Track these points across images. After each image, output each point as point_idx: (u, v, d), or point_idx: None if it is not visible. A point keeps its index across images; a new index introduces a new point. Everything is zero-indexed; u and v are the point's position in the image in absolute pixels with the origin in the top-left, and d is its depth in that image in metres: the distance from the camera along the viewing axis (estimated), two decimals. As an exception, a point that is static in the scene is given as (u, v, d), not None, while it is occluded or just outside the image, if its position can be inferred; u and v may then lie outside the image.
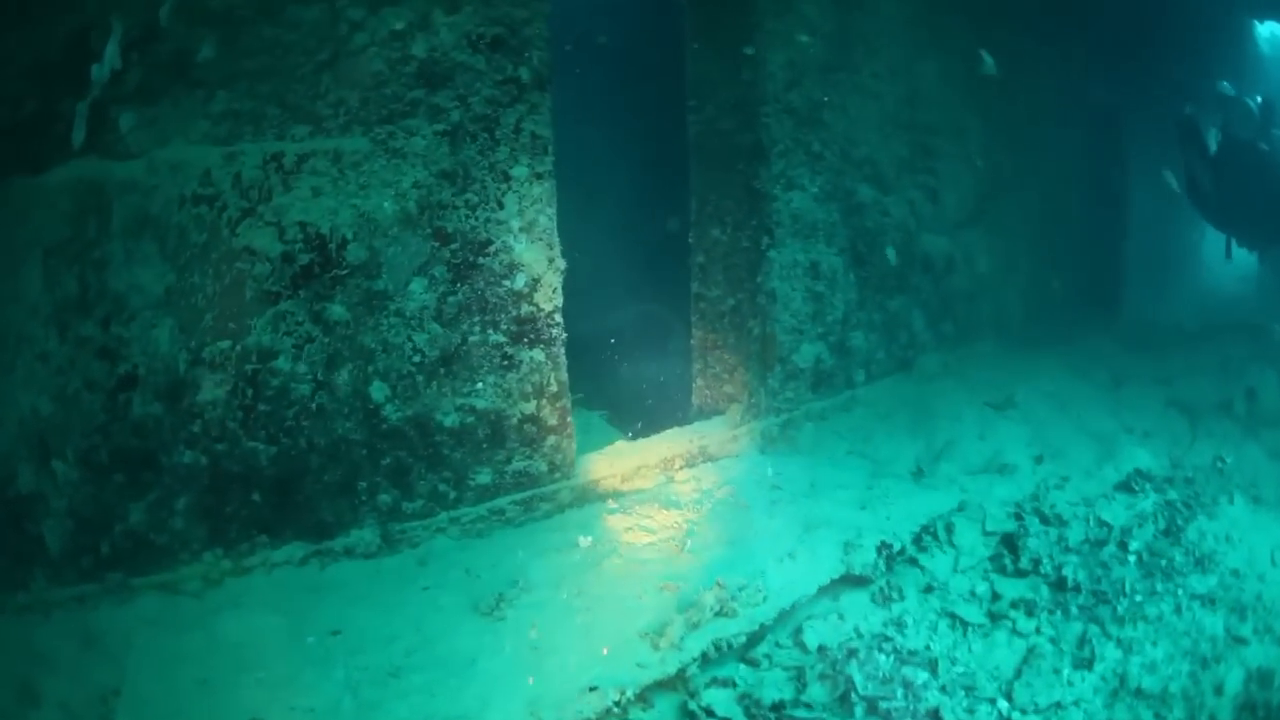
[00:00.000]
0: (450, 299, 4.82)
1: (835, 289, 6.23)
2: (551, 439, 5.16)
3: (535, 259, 4.97)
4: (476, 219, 4.84)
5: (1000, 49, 7.86)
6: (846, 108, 6.53)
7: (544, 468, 5.18)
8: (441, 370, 4.86)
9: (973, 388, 6.84)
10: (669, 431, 5.86)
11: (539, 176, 4.95)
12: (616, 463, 5.49)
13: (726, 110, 6.13)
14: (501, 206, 4.87)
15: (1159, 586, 4.58)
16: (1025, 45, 8.46)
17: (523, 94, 4.90)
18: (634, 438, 6.42)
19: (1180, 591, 4.54)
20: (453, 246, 4.80)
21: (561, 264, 5.06)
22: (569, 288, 5.31)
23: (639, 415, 7.44)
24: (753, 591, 4.30)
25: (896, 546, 4.90)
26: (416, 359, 4.79)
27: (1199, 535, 5.05)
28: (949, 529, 5.19)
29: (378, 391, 4.75)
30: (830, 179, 6.28)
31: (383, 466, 4.83)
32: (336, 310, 4.63)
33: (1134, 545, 4.92)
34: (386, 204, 4.68)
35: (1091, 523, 5.15)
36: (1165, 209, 9.48)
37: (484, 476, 5.04)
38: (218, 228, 4.49)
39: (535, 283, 4.98)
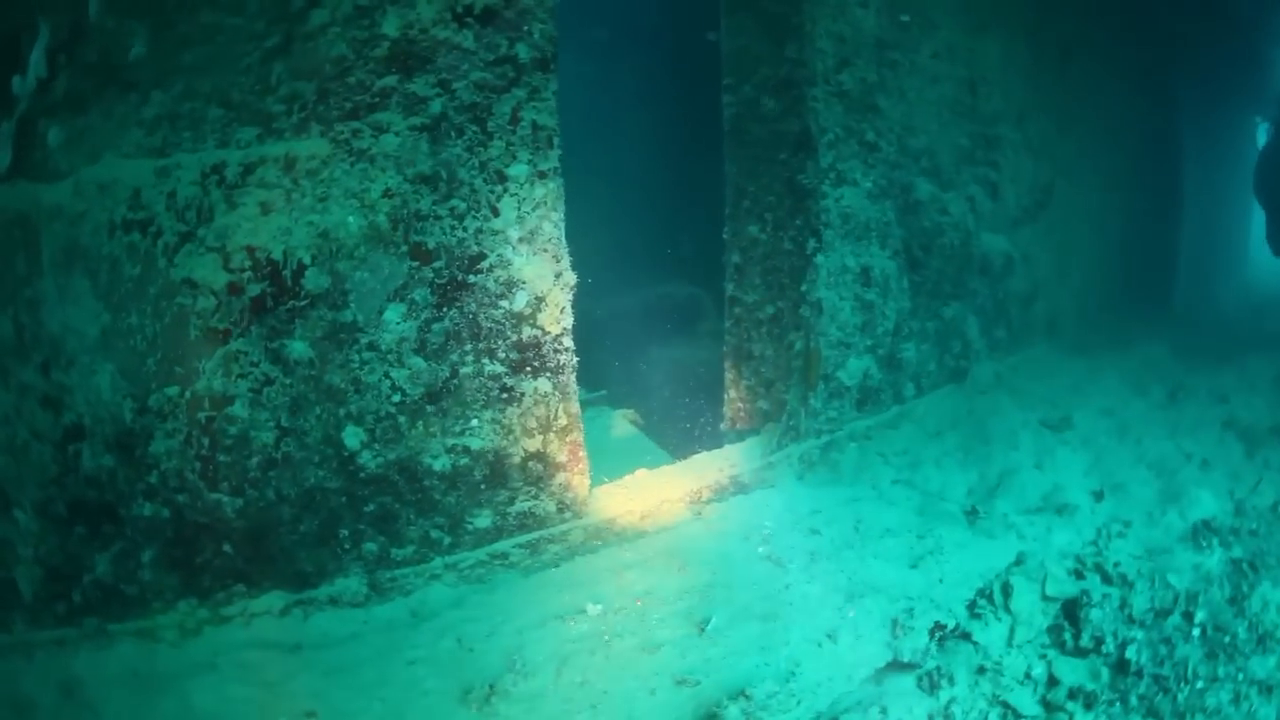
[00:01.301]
0: (435, 327, 3.45)
1: (888, 297, 4.73)
2: (560, 476, 3.81)
3: (538, 274, 3.57)
4: (465, 230, 3.44)
5: (1062, 31, 6.25)
6: (904, 92, 4.96)
7: (552, 508, 3.83)
8: (428, 409, 3.52)
9: (1027, 403, 5.37)
10: (697, 457, 4.46)
11: (542, 175, 3.53)
12: (636, 497, 4.11)
13: (768, 91, 4.60)
14: (496, 213, 3.47)
15: (1220, 670, 3.40)
16: (1087, 30, 6.78)
17: (521, 76, 3.46)
18: (662, 451, 5.11)
19: (1240, 675, 3.39)
20: (436, 265, 3.42)
21: (571, 278, 3.67)
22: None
23: (667, 412, 6.13)
24: (784, 698, 2.98)
25: (950, 624, 3.54)
26: (396, 398, 3.47)
27: (1262, 605, 3.71)
28: (1006, 591, 3.78)
29: (352, 438, 3.46)
30: (885, 173, 4.75)
31: (365, 514, 3.56)
32: (297, 348, 3.35)
33: (1199, 616, 3.64)
34: (351, 219, 3.31)
35: (1156, 585, 3.79)
36: (1217, 205, 7.82)
37: (483, 519, 3.72)
38: (153, 258, 3.33)
39: (539, 302, 3.59)
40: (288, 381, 3.39)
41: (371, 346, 3.42)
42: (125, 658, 3.35)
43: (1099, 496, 4.54)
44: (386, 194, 3.33)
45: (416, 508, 3.64)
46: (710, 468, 4.29)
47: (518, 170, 3.45)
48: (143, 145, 3.28)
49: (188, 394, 3.37)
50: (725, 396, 4.81)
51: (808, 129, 4.43)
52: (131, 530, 3.43)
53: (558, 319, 3.63)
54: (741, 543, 3.95)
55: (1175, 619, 3.71)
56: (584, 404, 5.82)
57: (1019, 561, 4.04)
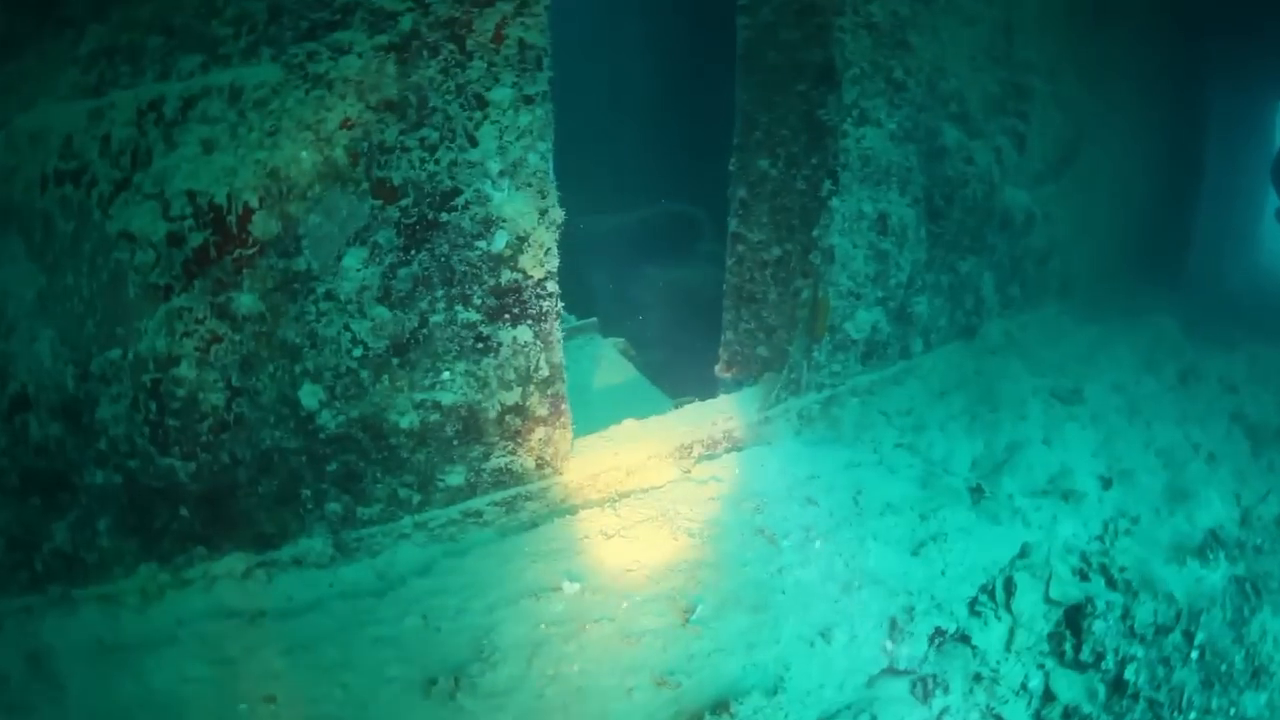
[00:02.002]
0: (401, 272, 2.78)
1: (904, 247, 3.97)
2: (540, 431, 3.18)
3: (521, 211, 2.86)
4: (437, 163, 2.73)
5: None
6: (937, 30, 4.12)
7: (530, 464, 3.21)
8: (394, 362, 2.87)
9: (1038, 368, 4.67)
10: (689, 407, 3.81)
11: (528, 100, 2.80)
12: (621, 450, 3.48)
13: (789, 17, 3.77)
14: (474, 143, 2.74)
15: (1214, 702, 3.15)
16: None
17: None
18: (655, 388, 4.48)
19: (1233, 710, 3.14)
20: (403, 203, 2.73)
21: (558, 215, 2.97)
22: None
23: (661, 339, 5.47)
24: (770, 713, 2.46)
25: (950, 628, 3.01)
26: (357, 353, 2.82)
27: (1260, 634, 3.36)
28: (1009, 589, 3.28)
29: (309, 397, 2.83)
30: (911, 115, 3.95)
31: (328, 474, 2.96)
32: (245, 301, 2.70)
33: (1199, 637, 3.32)
34: (305, 154, 2.61)
35: (1160, 598, 3.39)
36: (1233, 184, 6.98)
37: (455, 476, 3.11)
38: (87, 210, 2.69)
39: (521, 242, 2.89)
40: (237, 338, 2.77)
41: (329, 296, 2.76)
42: (90, 624, 2.94)
43: (1107, 484, 3.96)
44: (346, 124, 2.62)
45: (383, 466, 3.04)
46: (703, 420, 3.64)
47: (500, 94, 2.73)
48: (78, 85, 2.64)
49: (130, 356, 2.79)
50: (722, 338, 4.14)
51: (831, 61, 3.65)
52: (86, 498, 2.93)
53: (541, 261, 2.94)
54: (733, 510, 3.35)
55: (1176, 637, 3.36)
56: (572, 332, 5.22)
57: (1023, 554, 3.52)
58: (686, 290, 5.95)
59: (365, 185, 2.68)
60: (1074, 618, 3.31)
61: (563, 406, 3.21)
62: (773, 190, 3.84)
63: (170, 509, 2.97)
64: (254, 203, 2.62)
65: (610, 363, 4.67)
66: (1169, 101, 6.76)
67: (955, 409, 4.15)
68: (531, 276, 2.95)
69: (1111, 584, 3.45)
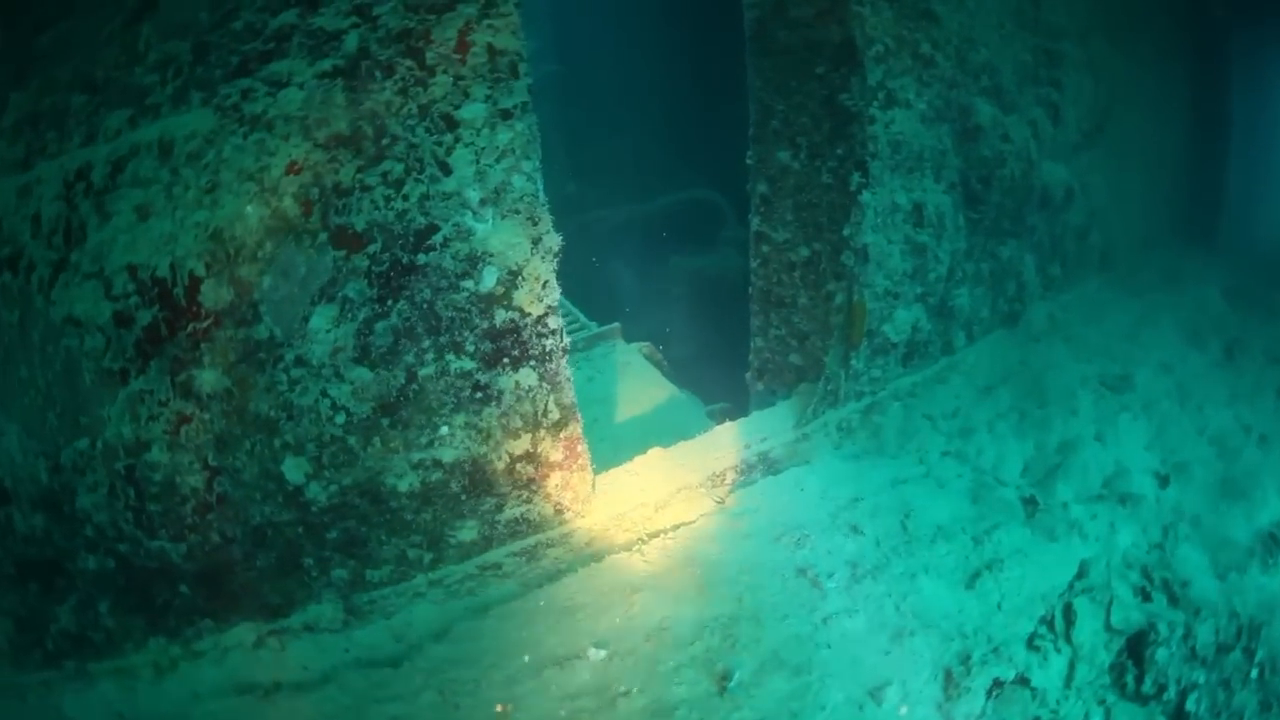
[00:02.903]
0: (379, 326, 2.16)
1: (942, 238, 3.23)
2: (556, 477, 2.57)
3: (510, 242, 2.22)
4: (405, 199, 2.09)
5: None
6: (963, -2, 3.41)
7: (549, 511, 2.61)
8: (384, 423, 2.26)
9: (1084, 353, 3.91)
10: (720, 429, 3.13)
11: (506, 115, 2.14)
12: (648, 486, 2.84)
13: None
14: (447, 171, 2.10)
15: None
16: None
17: None
18: (683, 393, 3.86)
19: None
20: (370, 249, 2.10)
21: (554, 242, 2.31)
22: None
23: (688, 334, 4.83)
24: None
25: (1009, 676, 2.38)
26: (340, 419, 2.21)
27: None
28: (1069, 617, 2.68)
29: (293, 471, 2.24)
30: (941, 92, 3.19)
31: (329, 541, 2.38)
32: (208, 378, 2.11)
33: (1259, 653, 2.83)
34: (250, 209, 2.01)
35: (1221, 612, 2.86)
36: (1263, 137, 5.97)
37: (468, 532, 2.52)
38: (29, 297, 2.20)
39: (513, 277, 2.25)
40: (206, 417, 2.21)
41: (300, 363, 2.17)
42: (108, 698, 2.53)
43: (1164, 481, 3.29)
44: (292, 168, 2.01)
45: (387, 529, 2.46)
46: (735, 442, 3.00)
47: (472, 112, 2.09)
48: (5, 160, 2.16)
49: (98, 445, 2.29)
50: (751, 344, 3.47)
51: (851, 38, 2.92)
52: (82, 582, 2.49)
53: (539, 296, 2.31)
54: (771, 547, 2.73)
55: (1236, 655, 2.83)
56: (594, 339, 4.47)
57: (1082, 574, 2.92)
58: (712, 279, 5.29)
59: (323, 236, 2.07)
60: (1137, 647, 2.74)
61: (579, 448, 2.61)
62: (796, 185, 3.14)
63: (169, 587, 2.47)
64: (200, 271, 2.05)
65: (636, 370, 4.06)
66: (1192, 51, 5.82)
67: (1003, 406, 3.45)
68: (529, 314, 2.33)
69: (1174, 601, 2.87)
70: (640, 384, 3.95)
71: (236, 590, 2.52)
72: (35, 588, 2.54)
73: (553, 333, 2.36)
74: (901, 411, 3.24)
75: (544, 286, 2.30)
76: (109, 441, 2.28)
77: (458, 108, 2.06)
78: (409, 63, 2.02)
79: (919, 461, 3.17)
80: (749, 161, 3.29)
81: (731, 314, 3.99)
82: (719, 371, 4.17)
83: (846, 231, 2.92)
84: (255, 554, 2.46)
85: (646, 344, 4.16)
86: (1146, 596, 2.90)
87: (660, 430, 3.53)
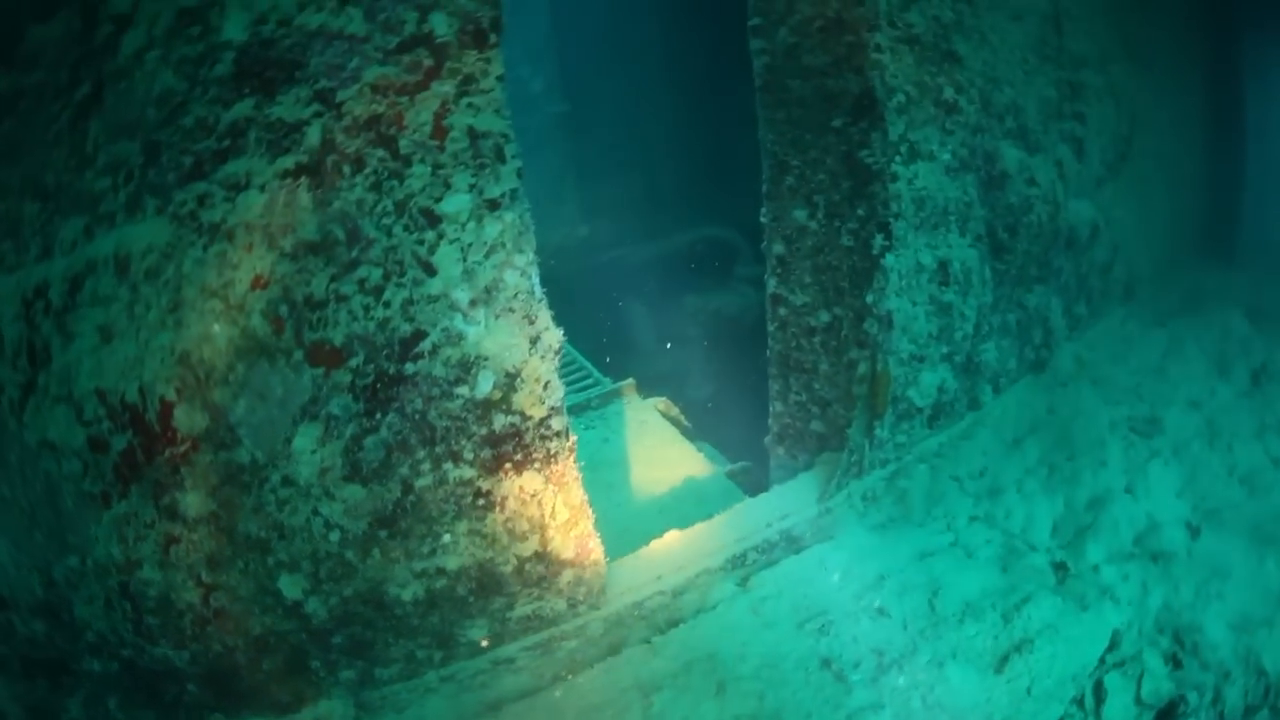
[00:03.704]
0: (369, 441, 1.77)
1: (968, 294, 2.75)
2: (568, 574, 2.16)
3: (505, 344, 1.81)
4: (386, 306, 1.69)
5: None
6: (985, 33, 2.86)
7: (561, 606, 2.21)
8: (382, 535, 1.87)
9: (1112, 394, 3.40)
10: (740, 508, 2.68)
11: (493, 205, 1.73)
12: (666, 574, 2.42)
13: (812, 36, 2.58)
14: (431, 271, 1.69)
15: None
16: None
17: (443, 62, 1.64)
18: (705, 449, 3.45)
19: None
20: (352, 363, 1.70)
21: (555, 339, 1.89)
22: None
23: (706, 376, 4.39)
24: None
25: None
26: (335, 537, 1.83)
27: None
28: (1099, 694, 2.30)
29: (290, 588, 1.86)
30: (966, 139, 2.71)
31: (334, 645, 2.00)
32: (191, 501, 1.73)
33: None
34: (217, 328, 1.62)
35: (1250, 671, 2.45)
36: (1273, 143, 5.34)
37: (478, 630, 2.12)
38: (2, 419, 1.85)
39: (511, 380, 1.84)
40: (194, 538, 1.84)
41: (287, 483, 1.80)
42: None
43: (1195, 533, 2.85)
44: (258, 283, 1.64)
45: (394, 632, 2.08)
46: (756, 520, 2.58)
47: (455, 204, 1.69)
48: None
49: (89, 563, 1.96)
50: (770, 407, 3.02)
51: (870, 89, 2.48)
52: (89, 681, 2.17)
53: (540, 398, 1.91)
54: (794, 636, 2.32)
55: (1264, 715, 2.47)
56: (608, 396, 3.91)
57: (1113, 645, 2.53)
58: (728, 318, 4.84)
59: (298, 354, 1.70)
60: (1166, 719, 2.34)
61: (590, 544, 2.22)
62: (814, 246, 2.70)
63: (177, 684, 2.14)
64: (171, 395, 1.69)
65: (652, 429, 3.65)
66: (1208, 71, 5.24)
67: (1031, 461, 3.00)
68: (531, 417, 1.94)
69: (1204, 666, 2.47)
70: (657, 444, 3.53)
71: (243, 690, 2.17)
72: (43, 683, 2.21)
73: (556, 434, 1.97)
74: (928, 474, 2.81)
75: (545, 387, 1.91)
76: (99, 560, 1.95)
77: (439, 200, 1.68)
78: (381, 153, 1.64)
79: (946, 528, 2.74)
80: (763, 220, 2.85)
81: (749, 353, 3.57)
82: (738, 413, 3.75)
83: (869, 298, 2.48)
84: (260, 659, 2.10)
85: (662, 399, 3.75)
86: (1177, 664, 2.52)
87: (679, 495, 3.13)
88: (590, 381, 4.07)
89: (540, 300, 1.84)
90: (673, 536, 2.54)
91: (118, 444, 1.78)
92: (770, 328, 2.90)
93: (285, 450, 1.82)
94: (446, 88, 1.64)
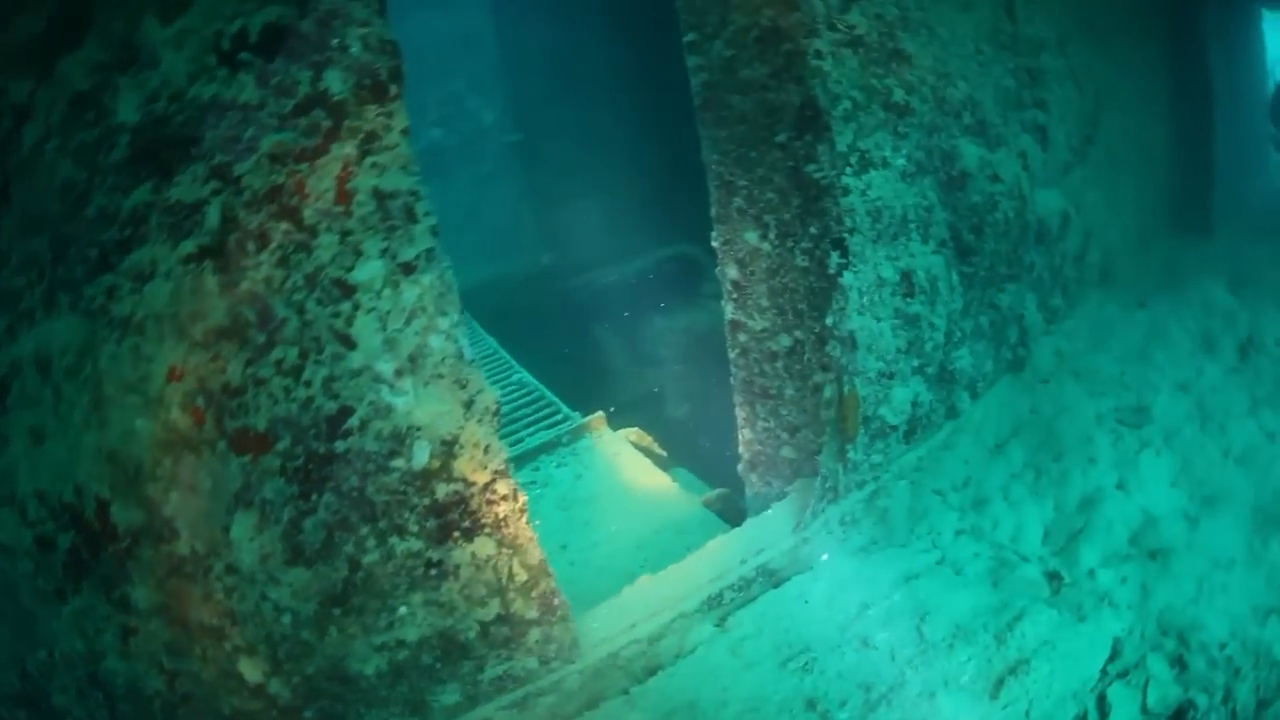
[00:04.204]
0: (308, 523, 1.65)
1: (935, 303, 2.62)
2: (535, 633, 2.04)
3: (438, 411, 1.69)
4: (308, 385, 1.57)
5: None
6: (933, 27, 2.74)
7: (533, 664, 2.09)
8: (335, 613, 1.76)
9: (1095, 384, 3.29)
10: (713, 545, 2.53)
11: (408, 269, 1.61)
12: (640, 622, 2.30)
13: (749, 48, 2.46)
14: (350, 344, 1.57)
15: None
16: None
17: (342, 121, 1.51)
18: (681, 474, 3.36)
19: None
20: (280, 447, 1.59)
21: (491, 400, 1.76)
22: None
23: (680, 395, 4.30)
24: None
25: None
26: (288, 619, 1.71)
27: None
28: (1103, 709, 2.18)
29: (251, 670, 1.74)
30: (920, 141, 2.58)
31: (305, 717, 1.97)
32: (141, 594, 1.63)
33: None
34: (139, 424, 1.50)
35: (1261, 664, 2.38)
36: (1238, 107, 5.21)
37: (450, 695, 2.00)
38: None
39: (449, 448, 1.72)
40: (150, 628, 1.73)
41: (231, 570, 1.69)
42: None
43: (1194, 524, 2.72)
44: (174, 375, 1.53)
45: (364, 703, 1.96)
46: (731, 557, 2.46)
47: (368, 272, 1.58)
48: None
49: (56, 656, 1.90)
50: (739, 435, 2.89)
51: (813, 98, 2.36)
52: None
53: (483, 463, 1.80)
54: (776, 676, 2.19)
55: (1277, 708, 2.36)
56: (578, 431, 3.76)
57: (1115, 654, 2.37)
58: (698, 336, 4.74)
59: (222, 444, 1.59)
60: (1176, 726, 2.22)
61: (554, 602, 2.10)
62: (769, 268, 2.57)
63: None
64: (105, 494, 1.59)
65: (625, 462, 3.53)
66: (1171, 38, 5.13)
67: (1016, 465, 2.88)
68: (474, 483, 1.82)
69: (1213, 664, 2.34)
70: (631, 477, 3.41)
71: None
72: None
73: (504, 498, 1.86)
74: (909, 490, 2.70)
75: (486, 451, 1.79)
76: (65, 653, 1.87)
77: (350, 270, 1.57)
78: (285, 226, 1.53)
79: (932, 545, 2.63)
80: (714, 244, 2.72)
81: (722, 370, 3.48)
82: (716, 431, 3.66)
83: (830, 320, 2.35)
84: (230, 736, 2.03)
85: (634, 430, 3.64)
86: (1183, 666, 2.38)
87: (656, 528, 3.03)
88: (560, 418, 3.97)
89: (471, 362, 1.71)
90: (646, 581, 2.41)
91: (63, 543, 1.69)
92: (731, 354, 2.77)
93: (224, 539, 1.72)
94: (348, 149, 1.52)
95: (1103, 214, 3.81)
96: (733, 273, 2.66)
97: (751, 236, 2.58)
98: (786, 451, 2.69)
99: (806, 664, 2.23)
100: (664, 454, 3.56)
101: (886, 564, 2.53)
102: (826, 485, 2.50)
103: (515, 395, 4.42)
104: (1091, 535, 2.69)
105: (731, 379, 2.81)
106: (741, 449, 2.86)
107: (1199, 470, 3.03)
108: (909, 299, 2.50)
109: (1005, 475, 2.85)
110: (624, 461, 3.52)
